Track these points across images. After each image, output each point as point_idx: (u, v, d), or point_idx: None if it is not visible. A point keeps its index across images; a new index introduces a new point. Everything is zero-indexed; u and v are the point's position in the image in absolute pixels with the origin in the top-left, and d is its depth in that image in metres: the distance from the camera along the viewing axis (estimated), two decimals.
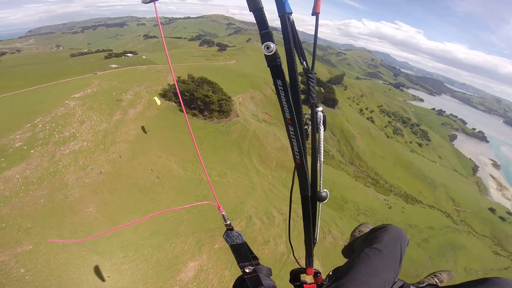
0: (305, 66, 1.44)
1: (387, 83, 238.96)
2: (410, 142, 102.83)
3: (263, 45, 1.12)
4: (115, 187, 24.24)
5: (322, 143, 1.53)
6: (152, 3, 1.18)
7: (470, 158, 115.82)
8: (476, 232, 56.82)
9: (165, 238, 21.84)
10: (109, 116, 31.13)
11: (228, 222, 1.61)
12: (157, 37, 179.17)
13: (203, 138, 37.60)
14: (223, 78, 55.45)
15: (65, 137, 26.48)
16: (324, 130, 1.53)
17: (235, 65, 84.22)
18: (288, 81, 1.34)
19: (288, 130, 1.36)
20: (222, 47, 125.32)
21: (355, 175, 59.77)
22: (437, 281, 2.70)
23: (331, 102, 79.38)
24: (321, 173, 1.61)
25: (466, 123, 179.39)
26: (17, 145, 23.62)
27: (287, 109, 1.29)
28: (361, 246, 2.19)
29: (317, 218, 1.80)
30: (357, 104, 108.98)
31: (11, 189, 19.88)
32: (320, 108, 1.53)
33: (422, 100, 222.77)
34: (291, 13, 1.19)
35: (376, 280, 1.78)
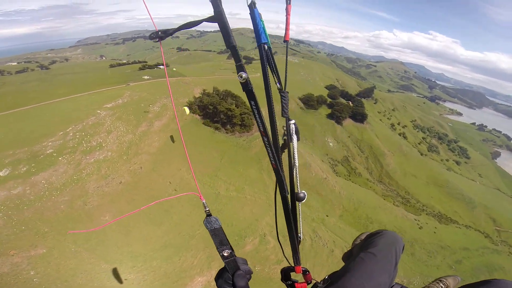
0: (278, 86, 1.59)
1: (421, 96, 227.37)
2: (447, 160, 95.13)
3: (238, 75, 1.32)
4: (133, 197, 24.74)
5: (296, 150, 1.69)
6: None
7: None
8: None
9: (175, 251, 21.85)
10: (135, 128, 32.25)
11: (207, 209, 1.69)
12: (189, 50, 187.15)
13: (223, 152, 37.56)
14: None
15: (92, 146, 27.78)
16: (298, 140, 1.71)
17: (259, 78, 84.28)
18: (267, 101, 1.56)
19: (263, 140, 1.54)
20: (248, 60, 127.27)
21: (383, 194, 56.41)
22: (443, 286, 2.67)
23: (359, 117, 75.84)
24: (297, 176, 1.75)
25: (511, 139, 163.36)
26: (48, 151, 25.05)
27: (260, 123, 1.47)
28: (357, 251, 2.26)
29: (298, 217, 1.89)
30: (388, 118, 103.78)
31: (36, 193, 21.00)
32: (292, 121, 1.69)
33: (460, 114, 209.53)
34: (267, 42, 1.42)
35: (371, 283, 1.85)
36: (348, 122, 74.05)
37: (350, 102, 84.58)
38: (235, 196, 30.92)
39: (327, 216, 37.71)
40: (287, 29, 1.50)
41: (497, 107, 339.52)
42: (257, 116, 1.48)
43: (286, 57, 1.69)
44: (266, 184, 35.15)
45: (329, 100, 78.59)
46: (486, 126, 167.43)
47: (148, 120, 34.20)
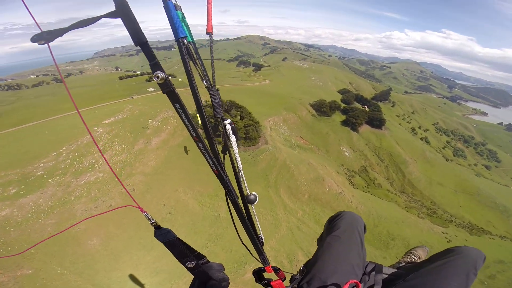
0: (205, 84, 1.46)
1: (441, 96, 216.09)
2: (475, 165, 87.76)
3: (154, 75, 1.13)
4: (122, 221, 23.06)
5: (236, 151, 1.59)
6: None
7: None
8: None
9: (167, 277, 20.17)
10: (131, 146, 30.45)
11: (153, 221, 1.49)
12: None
13: (225, 170, 34.60)
14: (255, 100, 53.22)
15: (83, 167, 26.62)
16: (237, 140, 1.62)
17: (268, 85, 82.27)
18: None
19: (198, 147, 1.39)
20: (257, 67, 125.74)
21: (406, 206, 51.56)
22: (415, 258, 2.73)
23: (377, 122, 70.27)
24: (243, 178, 1.67)
25: None
26: (38, 173, 24.66)
27: (190, 128, 1.30)
28: (324, 236, 2.32)
29: (254, 219, 1.81)
30: (408, 122, 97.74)
31: (24, 215, 21.03)
32: (227, 121, 1.60)
33: (485, 113, 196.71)
34: (186, 37, 1.24)
35: (343, 265, 1.93)
36: (364, 128, 69.32)
37: (366, 107, 79.96)
38: (236, 218, 27.84)
39: None
40: (208, 19, 1.32)
41: None
42: (185, 121, 1.27)
43: (211, 50, 1.37)
44: (273, 203, 31.92)
45: (343, 105, 74.31)
46: None
47: (145, 137, 32.21)
